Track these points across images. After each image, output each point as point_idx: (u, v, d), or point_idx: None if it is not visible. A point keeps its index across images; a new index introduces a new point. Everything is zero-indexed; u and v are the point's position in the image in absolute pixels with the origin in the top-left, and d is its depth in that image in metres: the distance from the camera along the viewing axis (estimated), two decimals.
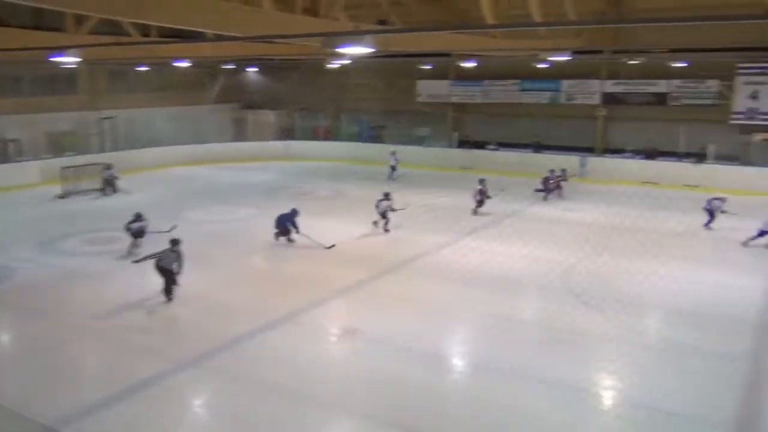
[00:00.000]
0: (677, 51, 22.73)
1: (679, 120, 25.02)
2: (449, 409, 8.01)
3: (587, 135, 27.48)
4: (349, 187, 23.59)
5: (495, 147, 28.59)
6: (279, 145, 30.98)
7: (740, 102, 24.09)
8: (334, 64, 24.96)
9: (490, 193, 18.74)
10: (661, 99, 25.61)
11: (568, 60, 20.19)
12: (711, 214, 16.93)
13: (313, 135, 32.71)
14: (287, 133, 32.50)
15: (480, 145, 28.92)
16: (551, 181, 21.02)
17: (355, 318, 10.95)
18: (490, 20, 19.46)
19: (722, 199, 16.92)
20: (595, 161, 25.52)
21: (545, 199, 20.78)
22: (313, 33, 11.87)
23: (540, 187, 21.07)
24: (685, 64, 23.64)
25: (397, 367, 8.96)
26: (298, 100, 32.55)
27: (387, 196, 16.48)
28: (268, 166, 28.08)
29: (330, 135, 32.85)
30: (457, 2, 25.47)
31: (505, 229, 17.02)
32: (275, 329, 10.29)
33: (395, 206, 16.47)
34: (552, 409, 7.85)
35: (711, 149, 24.55)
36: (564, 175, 21.47)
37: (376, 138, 31.73)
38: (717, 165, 23.73)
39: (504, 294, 12.00)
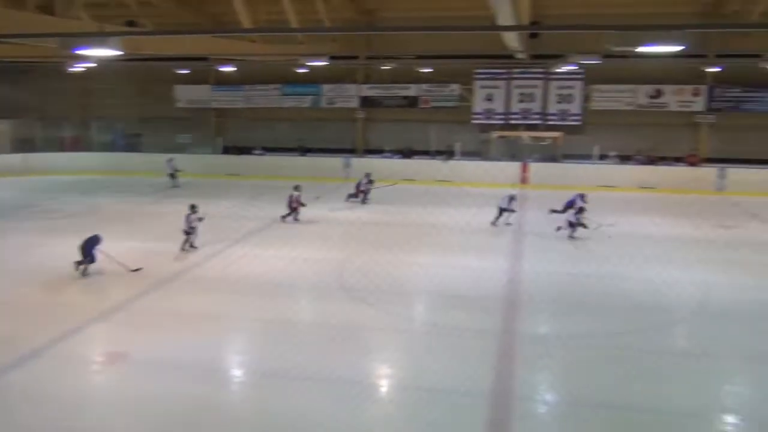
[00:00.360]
0: (423, 57, 24.75)
1: (430, 121, 27.28)
2: (229, 423, 7.74)
3: (349, 137, 28.67)
4: (105, 201, 21.76)
5: (261, 152, 28.52)
6: (15, 159, 27.46)
7: (478, 104, 26.97)
8: (78, 68, 22.85)
9: (304, 200, 18.35)
10: (412, 102, 27.67)
11: (325, 65, 20.86)
12: (501, 210, 17.72)
13: (59, 146, 29.59)
14: (26, 145, 28.91)
15: (246, 151, 28.63)
16: (362, 187, 21.23)
17: (121, 342, 10.08)
18: (246, 24, 19.35)
19: (514, 196, 17.99)
20: (358, 162, 26.69)
21: (363, 202, 20.94)
22: (47, 33, 10.72)
23: (353, 191, 21.22)
24: (430, 70, 25.81)
25: (171, 388, 8.44)
26: (38, 107, 29.20)
27: (194, 209, 15.18)
28: (1, 182, 24.74)
29: (79, 145, 29.98)
30: (212, 5, 24.87)
31: (275, 233, 17.03)
32: (31, 364, 9.06)
33: (201, 216, 15.46)
34: (332, 407, 7.99)
35: (457, 147, 27.11)
36: (369, 179, 21.65)
37: (132, 147, 29.75)
38: (463, 161, 26.24)
39: (279, 298, 11.95)
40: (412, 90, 27.57)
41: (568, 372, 9.18)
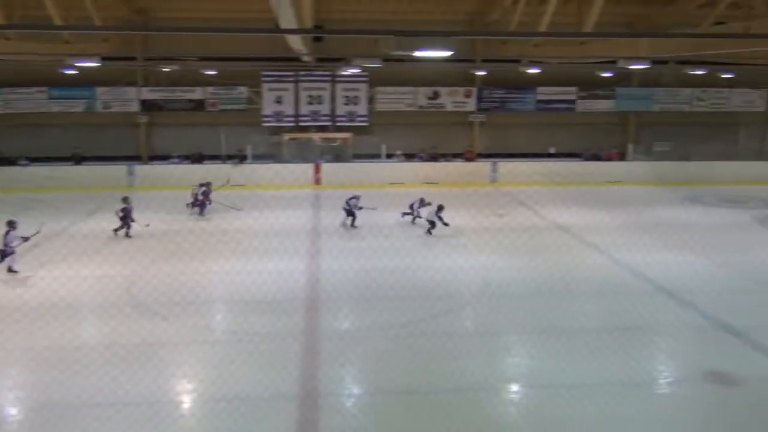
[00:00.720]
0: (207, 59, 23.98)
1: (219, 124, 26.42)
2: None
3: (131, 143, 26.87)
4: None
5: (26, 162, 25.53)
6: None
7: (268, 106, 26.77)
8: None
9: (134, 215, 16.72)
10: (198, 105, 26.68)
11: (98, 66, 19.27)
12: (350, 213, 17.53)
13: None
14: None
15: (9, 161, 25.42)
16: (201, 195, 19.59)
17: None
18: None
19: (357, 197, 17.80)
20: (143, 169, 25.09)
21: (201, 213, 19.39)
22: None
23: (191, 201, 19.58)
24: (215, 72, 25.08)
25: None
26: None
27: (13, 225, 13.34)
28: None
29: None
30: None
31: (48, 252, 15.24)
32: None
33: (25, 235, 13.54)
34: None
35: (249, 150, 26.64)
36: (209, 188, 20.00)
37: None
38: (256, 164, 25.80)
39: (55, 323, 10.63)
40: (197, 93, 26.55)
41: (369, 364, 9.48)
